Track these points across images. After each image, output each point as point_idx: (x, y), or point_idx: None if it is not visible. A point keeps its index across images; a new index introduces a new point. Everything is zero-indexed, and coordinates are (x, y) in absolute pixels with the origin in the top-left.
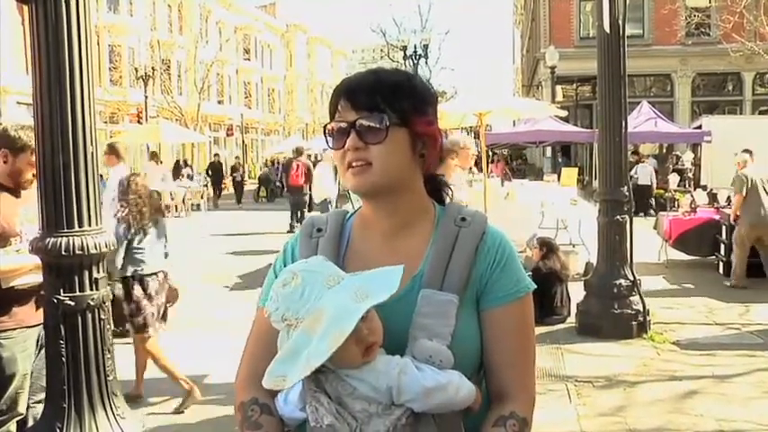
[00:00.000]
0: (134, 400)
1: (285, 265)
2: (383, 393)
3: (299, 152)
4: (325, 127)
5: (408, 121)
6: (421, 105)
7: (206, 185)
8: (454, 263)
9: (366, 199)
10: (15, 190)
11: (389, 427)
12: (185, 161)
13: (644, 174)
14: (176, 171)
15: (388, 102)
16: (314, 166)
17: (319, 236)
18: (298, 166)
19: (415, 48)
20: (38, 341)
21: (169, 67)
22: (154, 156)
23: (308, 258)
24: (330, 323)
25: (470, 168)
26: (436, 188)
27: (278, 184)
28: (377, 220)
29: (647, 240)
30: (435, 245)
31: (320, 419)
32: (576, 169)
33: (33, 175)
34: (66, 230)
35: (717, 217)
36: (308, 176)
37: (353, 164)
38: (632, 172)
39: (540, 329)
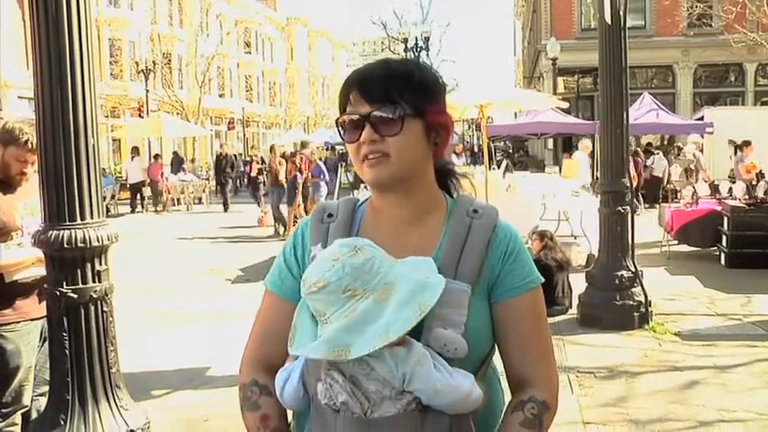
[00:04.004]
0: None
1: (295, 250)
2: (398, 379)
3: (303, 145)
4: (337, 120)
5: (422, 112)
6: (433, 95)
7: (207, 179)
8: (467, 254)
9: (381, 190)
10: (9, 184)
11: (400, 410)
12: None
13: (660, 166)
14: (175, 165)
15: (402, 93)
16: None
17: (330, 221)
18: (302, 158)
19: (416, 40)
20: (41, 334)
21: (170, 60)
22: (134, 150)
23: (355, 238)
24: (410, 296)
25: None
26: (445, 179)
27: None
28: (388, 210)
29: (651, 231)
30: (448, 236)
31: (334, 396)
32: (578, 161)
33: (22, 172)
34: (68, 223)
35: (719, 208)
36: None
37: (370, 156)
38: (649, 162)
39: None
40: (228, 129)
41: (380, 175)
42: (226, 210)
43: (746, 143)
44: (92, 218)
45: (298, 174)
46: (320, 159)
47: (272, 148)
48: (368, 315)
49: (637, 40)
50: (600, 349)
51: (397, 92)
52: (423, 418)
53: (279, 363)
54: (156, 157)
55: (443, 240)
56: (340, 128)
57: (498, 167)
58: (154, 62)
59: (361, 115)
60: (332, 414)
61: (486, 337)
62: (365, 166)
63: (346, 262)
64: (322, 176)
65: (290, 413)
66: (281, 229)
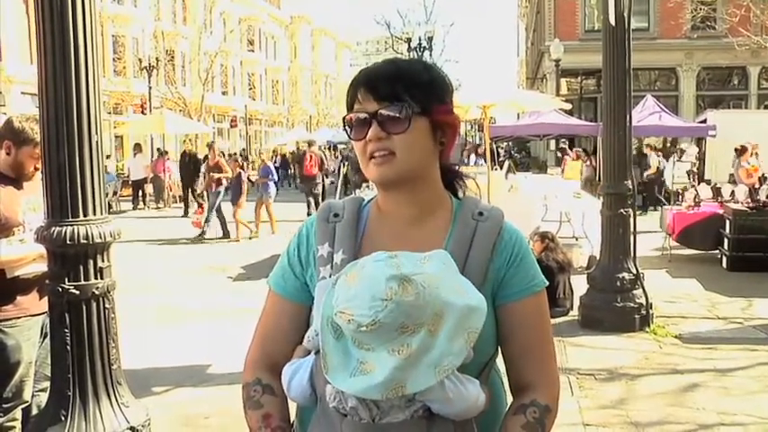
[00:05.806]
0: None
1: (299, 249)
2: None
3: (309, 144)
4: (344, 118)
5: (429, 110)
6: (440, 94)
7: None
8: (473, 257)
9: (386, 189)
10: (17, 180)
11: (407, 417)
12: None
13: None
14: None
15: (409, 91)
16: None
17: (336, 221)
18: (311, 156)
19: (420, 40)
20: (42, 330)
21: (173, 57)
22: (137, 147)
23: (391, 259)
24: (459, 324)
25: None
26: (451, 180)
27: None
28: (394, 210)
29: (652, 234)
30: (454, 238)
31: (344, 401)
32: (580, 162)
33: (35, 168)
34: (70, 219)
35: (720, 211)
36: (321, 167)
37: (376, 154)
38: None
39: None
40: (231, 126)
41: (386, 173)
42: (186, 214)
43: (745, 148)
44: (94, 214)
45: (241, 171)
46: (270, 159)
47: (210, 146)
48: (422, 349)
49: (640, 42)
50: (600, 351)
51: (405, 90)
52: (429, 425)
53: (282, 362)
54: (163, 153)
55: (449, 242)
56: (347, 126)
57: (501, 168)
58: (157, 59)
59: (369, 113)
60: (338, 417)
61: (491, 340)
62: (371, 164)
63: (399, 301)
64: (270, 177)
65: (292, 404)
66: (229, 232)
